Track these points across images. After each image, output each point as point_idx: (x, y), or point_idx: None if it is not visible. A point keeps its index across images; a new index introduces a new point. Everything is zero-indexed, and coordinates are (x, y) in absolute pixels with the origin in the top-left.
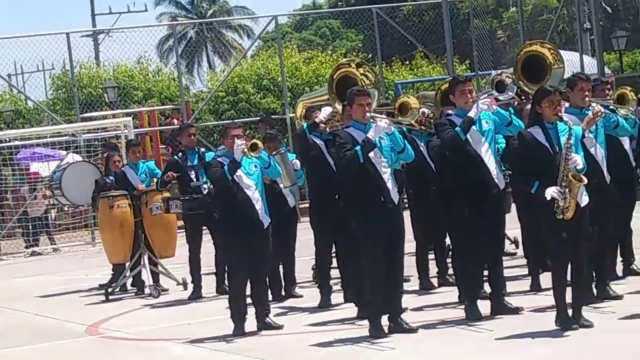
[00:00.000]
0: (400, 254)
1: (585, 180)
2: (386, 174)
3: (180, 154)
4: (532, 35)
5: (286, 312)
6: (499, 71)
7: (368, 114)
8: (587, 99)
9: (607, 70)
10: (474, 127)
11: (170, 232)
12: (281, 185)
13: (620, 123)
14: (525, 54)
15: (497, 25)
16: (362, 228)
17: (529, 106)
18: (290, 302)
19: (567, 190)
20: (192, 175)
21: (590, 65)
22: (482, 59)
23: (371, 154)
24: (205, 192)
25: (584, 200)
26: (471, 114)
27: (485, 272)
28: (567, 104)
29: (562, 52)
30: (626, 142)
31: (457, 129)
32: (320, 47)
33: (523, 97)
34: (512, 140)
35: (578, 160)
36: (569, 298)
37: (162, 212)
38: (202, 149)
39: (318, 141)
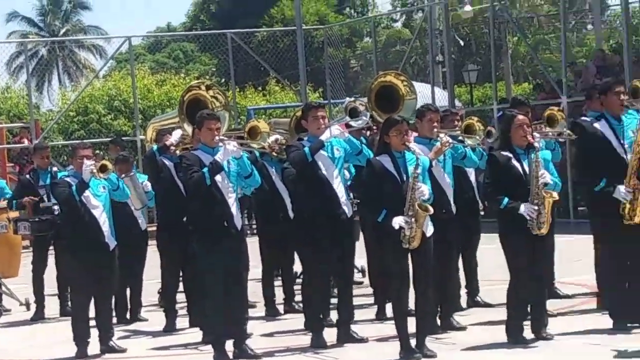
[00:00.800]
0: (244, 280)
1: (431, 210)
2: (231, 199)
3: (31, 172)
4: (385, 66)
5: (130, 335)
6: (353, 98)
7: (217, 138)
8: (435, 129)
9: (457, 103)
10: (325, 153)
11: (14, 252)
12: (132, 208)
13: (468, 154)
14: (379, 84)
15: (350, 54)
16: (204, 252)
17: None
18: (134, 326)
19: (413, 219)
20: (44, 195)
21: (442, 97)
22: (335, 88)
23: (218, 178)
24: (56, 212)
25: (430, 230)
26: (323, 137)
27: (334, 300)
28: (415, 134)
29: (414, 83)
30: (472, 174)
31: (306, 149)
32: (173, 69)
33: (375, 127)
34: (363, 170)
35: (425, 190)
36: (412, 328)
37: (7, 231)
38: (55, 169)
39: (168, 163)
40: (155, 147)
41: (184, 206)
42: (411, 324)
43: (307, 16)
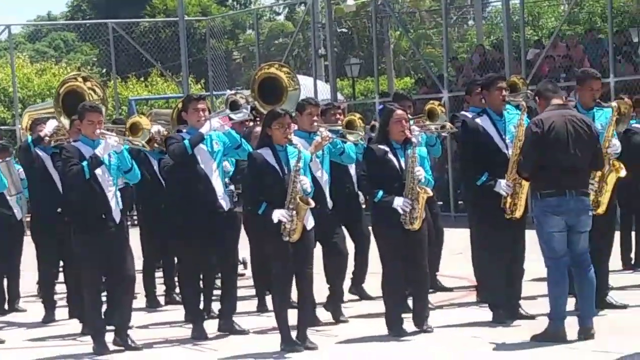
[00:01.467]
0: (124, 272)
1: (312, 203)
2: (111, 192)
3: None
4: (268, 58)
5: (8, 326)
6: (234, 91)
7: (98, 131)
8: (315, 123)
9: (340, 96)
10: (204, 147)
11: None
12: (7, 196)
13: (346, 151)
14: (262, 75)
15: (233, 46)
16: (81, 245)
17: (257, 129)
18: (12, 316)
19: (294, 212)
20: None
21: (324, 90)
22: (217, 79)
23: (98, 172)
24: None
25: (310, 223)
26: (203, 130)
27: (218, 292)
28: (295, 127)
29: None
30: (352, 167)
31: (186, 141)
32: (54, 59)
33: (257, 118)
34: (242, 162)
35: (306, 183)
36: (293, 320)
37: None
38: None
39: (42, 154)
40: (30, 138)
41: (58, 198)
42: (293, 316)
43: (189, 7)
